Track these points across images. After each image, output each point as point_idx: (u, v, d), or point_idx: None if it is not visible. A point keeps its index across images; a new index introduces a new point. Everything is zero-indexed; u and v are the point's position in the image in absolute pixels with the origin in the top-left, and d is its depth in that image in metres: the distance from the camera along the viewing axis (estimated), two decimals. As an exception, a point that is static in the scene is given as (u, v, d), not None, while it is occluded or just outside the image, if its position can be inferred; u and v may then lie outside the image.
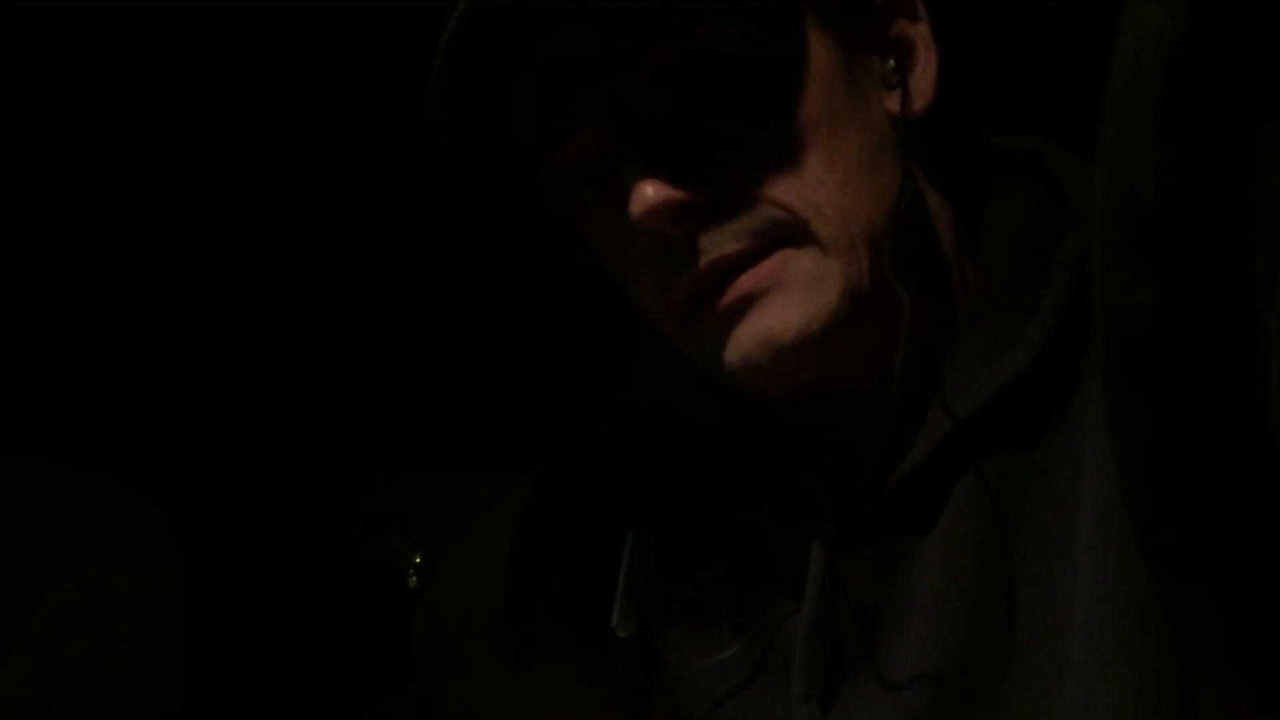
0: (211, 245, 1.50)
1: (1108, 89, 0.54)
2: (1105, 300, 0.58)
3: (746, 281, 0.74)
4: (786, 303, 0.74)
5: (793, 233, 0.74)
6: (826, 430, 0.80)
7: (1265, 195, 0.52)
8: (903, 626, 0.75)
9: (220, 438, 1.52)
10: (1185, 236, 0.54)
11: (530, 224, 1.37)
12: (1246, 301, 0.53)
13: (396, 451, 1.57)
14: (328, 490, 1.56)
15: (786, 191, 0.74)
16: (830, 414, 0.79)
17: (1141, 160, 0.53)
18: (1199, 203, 0.53)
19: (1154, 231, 0.54)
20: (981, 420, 0.75)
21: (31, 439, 1.22)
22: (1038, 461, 0.75)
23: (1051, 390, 0.76)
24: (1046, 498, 0.74)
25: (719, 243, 0.74)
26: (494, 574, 0.90)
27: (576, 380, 1.37)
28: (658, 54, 0.74)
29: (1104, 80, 0.54)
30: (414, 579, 1.53)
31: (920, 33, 0.80)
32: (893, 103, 0.78)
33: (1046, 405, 0.76)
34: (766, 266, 0.74)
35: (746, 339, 0.75)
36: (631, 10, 0.73)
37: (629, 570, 0.79)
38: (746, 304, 0.75)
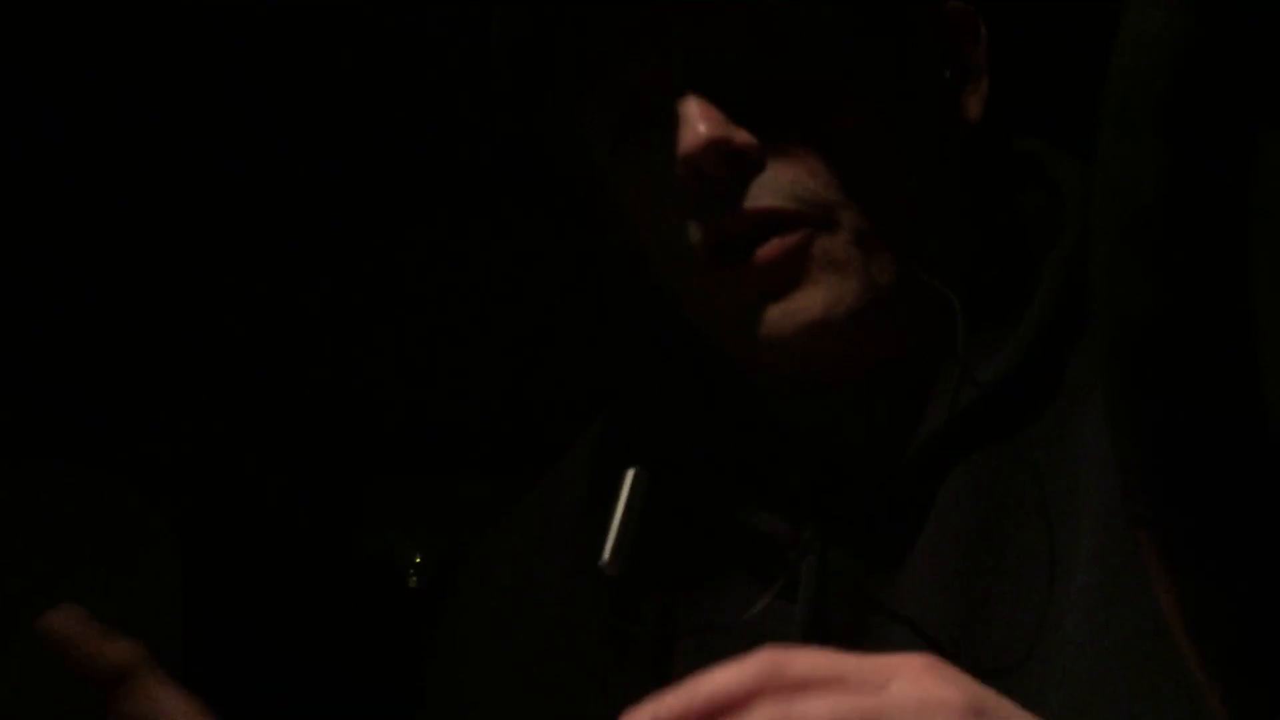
0: (211, 243, 1.50)
1: (1107, 90, 0.55)
2: (1105, 302, 0.58)
3: (786, 258, 0.75)
4: (818, 283, 0.75)
5: (830, 213, 0.75)
6: (820, 424, 0.80)
7: (1266, 195, 0.52)
8: (893, 625, 0.76)
9: (220, 438, 1.52)
10: (1185, 238, 0.54)
11: (532, 222, 1.37)
12: (1248, 303, 0.54)
13: (396, 451, 1.57)
14: (328, 490, 1.56)
15: (832, 170, 0.75)
16: (824, 408, 0.79)
17: (1141, 161, 0.53)
18: (1199, 203, 0.53)
19: (1154, 232, 0.54)
20: (971, 418, 0.76)
21: (33, 439, 1.22)
22: (1028, 459, 0.76)
23: (1041, 390, 0.77)
24: (1038, 495, 0.75)
25: (759, 196, 0.74)
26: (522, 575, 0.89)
27: (574, 380, 1.37)
28: (740, 7, 0.74)
29: (1104, 80, 0.55)
30: (414, 579, 1.53)
31: (978, 56, 0.81)
32: (945, 113, 0.80)
33: (1036, 405, 0.77)
34: (804, 241, 0.75)
35: (776, 312, 0.75)
36: None
37: (625, 509, 0.77)
38: (780, 277, 0.75)
